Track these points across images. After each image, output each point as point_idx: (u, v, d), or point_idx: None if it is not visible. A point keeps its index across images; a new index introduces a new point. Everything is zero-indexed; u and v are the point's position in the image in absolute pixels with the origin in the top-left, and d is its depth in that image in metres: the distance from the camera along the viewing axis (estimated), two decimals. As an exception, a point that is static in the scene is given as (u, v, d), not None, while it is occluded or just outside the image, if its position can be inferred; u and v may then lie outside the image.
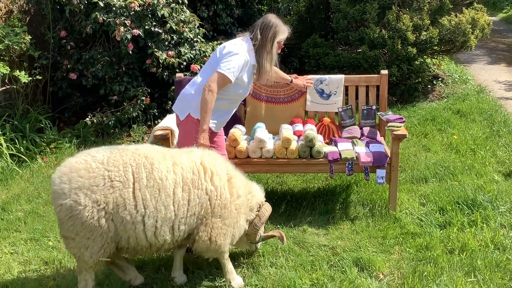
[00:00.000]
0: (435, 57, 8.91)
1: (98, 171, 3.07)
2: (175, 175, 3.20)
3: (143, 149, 3.26)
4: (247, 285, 3.64)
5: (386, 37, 7.52)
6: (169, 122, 4.67)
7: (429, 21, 7.61)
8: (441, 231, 4.24)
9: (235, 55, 3.80)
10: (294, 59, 8.83)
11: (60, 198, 3.04)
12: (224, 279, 3.65)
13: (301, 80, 4.93)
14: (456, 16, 7.85)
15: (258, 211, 3.69)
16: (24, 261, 4.04)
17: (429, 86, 8.50)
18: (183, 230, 3.25)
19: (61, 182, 3.04)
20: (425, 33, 7.57)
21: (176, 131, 4.47)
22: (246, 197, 3.57)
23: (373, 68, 7.58)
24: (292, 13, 11.50)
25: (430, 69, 8.82)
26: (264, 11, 8.97)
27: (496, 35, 14.17)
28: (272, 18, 3.98)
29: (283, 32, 3.98)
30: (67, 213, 3.04)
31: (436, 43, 7.66)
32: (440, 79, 8.81)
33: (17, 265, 3.97)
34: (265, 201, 3.80)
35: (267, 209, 3.75)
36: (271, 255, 3.99)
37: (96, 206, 3.03)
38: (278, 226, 4.41)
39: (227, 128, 4.79)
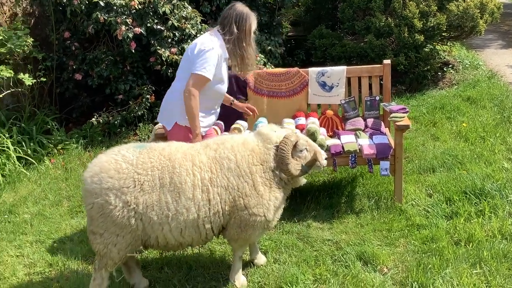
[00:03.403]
0: (445, 44, 8.74)
1: (128, 172, 3.11)
2: (194, 177, 3.18)
3: (168, 150, 3.26)
4: (250, 282, 3.62)
5: (392, 25, 7.40)
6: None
7: (436, 7, 7.46)
8: (448, 222, 4.17)
9: (208, 51, 3.69)
10: (300, 51, 8.74)
11: (92, 197, 3.12)
12: (227, 278, 3.63)
13: (242, 104, 4.50)
14: (464, 1, 7.68)
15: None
16: (29, 263, 4.07)
17: (439, 74, 8.36)
18: (210, 228, 3.25)
19: (92, 182, 3.12)
20: (432, 19, 7.43)
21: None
22: (255, 167, 3.30)
23: (380, 57, 7.45)
24: (299, 4, 11.38)
25: (440, 56, 8.67)
26: (270, 3, 8.86)
27: (510, 19, 13.86)
28: (242, 8, 3.86)
29: (254, 19, 3.89)
30: (99, 211, 3.12)
31: (444, 29, 7.51)
32: (450, 65, 8.66)
33: (22, 268, 4.00)
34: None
35: (286, 142, 3.29)
36: (274, 251, 3.96)
37: (127, 206, 3.08)
38: (282, 221, 4.36)
39: (229, 124, 4.77)
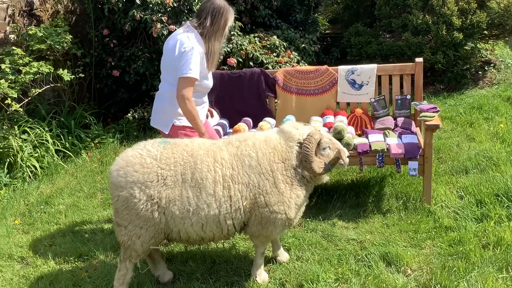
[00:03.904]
0: (487, 42, 8.48)
1: (152, 167, 3.19)
2: (215, 173, 3.23)
3: (191, 146, 3.32)
4: (271, 279, 3.64)
5: (430, 22, 7.25)
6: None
7: (476, 4, 7.25)
8: (477, 225, 4.06)
9: (190, 51, 3.62)
10: (336, 49, 8.67)
11: (117, 190, 3.23)
12: (249, 273, 3.67)
13: None
14: (505, -2, 7.45)
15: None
16: (60, 253, 4.22)
17: (480, 73, 8.13)
18: (231, 224, 3.30)
19: (118, 175, 3.22)
20: (472, 17, 7.23)
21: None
22: (276, 165, 3.31)
23: (417, 55, 7.29)
24: (339, 1, 11.30)
25: (482, 55, 8.43)
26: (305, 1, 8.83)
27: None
28: (220, 2, 3.74)
29: (231, 14, 3.79)
30: (123, 203, 3.22)
31: (484, 27, 7.30)
32: (492, 64, 8.40)
33: (54, 257, 4.15)
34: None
35: (310, 140, 3.31)
36: (298, 249, 3.97)
37: (150, 200, 3.17)
38: (307, 219, 4.37)
39: (257, 121, 4.80)
